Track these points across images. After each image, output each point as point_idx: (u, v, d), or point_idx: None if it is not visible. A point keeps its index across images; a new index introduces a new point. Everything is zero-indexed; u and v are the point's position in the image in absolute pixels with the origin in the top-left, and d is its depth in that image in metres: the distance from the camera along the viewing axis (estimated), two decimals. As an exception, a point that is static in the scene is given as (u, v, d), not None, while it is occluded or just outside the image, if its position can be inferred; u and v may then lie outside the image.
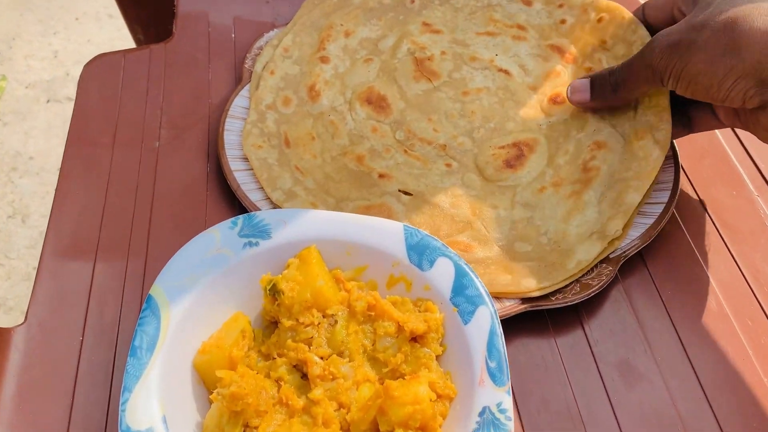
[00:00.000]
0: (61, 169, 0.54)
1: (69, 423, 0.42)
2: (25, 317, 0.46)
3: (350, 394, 0.40)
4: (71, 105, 1.48)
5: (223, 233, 0.44)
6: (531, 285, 0.48)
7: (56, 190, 0.53)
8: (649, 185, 0.51)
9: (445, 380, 0.42)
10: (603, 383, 0.46)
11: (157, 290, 0.41)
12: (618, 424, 0.44)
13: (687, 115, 0.54)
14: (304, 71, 0.62)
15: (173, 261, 0.42)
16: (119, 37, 1.58)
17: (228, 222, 0.45)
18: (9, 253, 1.24)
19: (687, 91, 0.47)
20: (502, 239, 0.51)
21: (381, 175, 0.54)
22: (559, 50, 0.61)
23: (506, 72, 0.61)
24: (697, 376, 0.46)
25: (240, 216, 0.46)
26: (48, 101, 1.46)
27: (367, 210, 0.52)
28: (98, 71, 0.62)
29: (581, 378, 0.46)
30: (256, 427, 0.39)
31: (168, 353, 0.39)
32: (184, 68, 0.63)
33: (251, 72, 0.62)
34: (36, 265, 1.16)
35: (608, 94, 0.53)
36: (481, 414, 0.39)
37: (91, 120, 0.58)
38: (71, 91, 1.50)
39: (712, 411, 0.45)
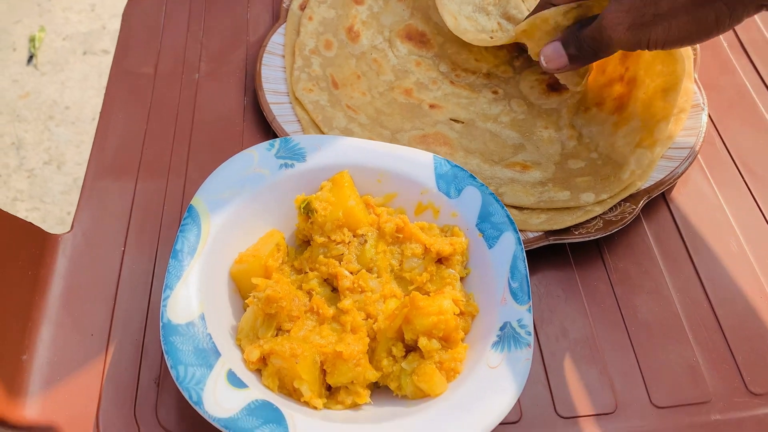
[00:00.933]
0: (106, 94, 0.57)
1: (111, 323, 0.44)
2: (71, 226, 0.48)
3: (377, 306, 0.42)
4: (107, 57, 1.51)
5: (260, 154, 0.46)
6: (589, 198, 0.49)
7: (100, 114, 0.55)
8: (685, 116, 0.53)
9: (468, 298, 0.43)
10: (622, 316, 0.47)
11: (198, 201, 0.43)
12: (635, 354, 0.46)
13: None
14: (340, 14, 0.63)
15: (213, 176, 0.44)
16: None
17: (265, 144, 0.47)
18: (44, 197, 1.28)
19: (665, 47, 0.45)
20: (555, 158, 0.53)
21: (431, 106, 0.57)
22: None
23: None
24: (715, 314, 0.47)
25: (277, 139, 0.47)
26: (84, 53, 1.49)
27: (423, 139, 0.54)
28: (142, 5, 0.64)
29: (600, 311, 0.48)
30: (288, 331, 0.41)
31: (206, 260, 0.42)
32: (224, 5, 0.65)
33: (287, 10, 0.63)
34: (70, 210, 1.20)
35: (589, 57, 0.49)
36: (502, 328, 0.41)
37: (134, 51, 0.60)
38: (107, 44, 1.52)
39: (728, 345, 0.46)
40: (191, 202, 0.43)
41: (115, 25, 1.55)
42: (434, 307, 0.40)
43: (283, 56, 0.60)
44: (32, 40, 1.52)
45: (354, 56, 0.61)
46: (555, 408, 0.43)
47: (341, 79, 0.59)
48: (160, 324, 0.38)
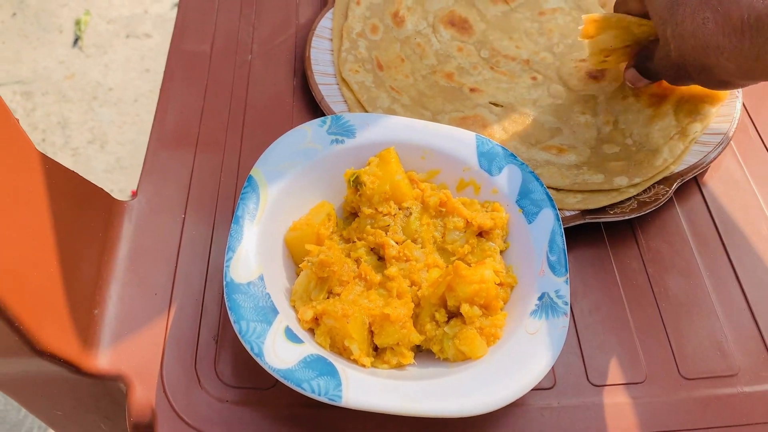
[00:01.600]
0: (165, 71, 0.60)
1: (173, 284, 0.48)
2: (135, 194, 0.52)
3: (421, 275, 0.45)
4: (149, 41, 1.56)
5: (313, 129, 0.49)
6: (623, 182, 0.51)
7: (161, 89, 0.58)
8: (723, 98, 0.55)
9: (507, 270, 0.46)
10: (654, 295, 0.49)
11: (256, 172, 0.46)
12: (665, 328, 0.48)
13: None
14: (387, 0, 0.66)
15: (270, 149, 0.47)
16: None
17: (318, 120, 0.50)
18: (87, 175, 1.32)
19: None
20: (591, 142, 0.55)
21: (472, 90, 0.59)
22: None
23: None
24: (744, 294, 0.49)
25: (328, 116, 0.50)
26: (127, 36, 1.53)
27: (462, 120, 0.56)
28: (197, -12, 0.67)
29: (632, 287, 0.50)
30: (338, 294, 0.44)
31: (264, 226, 0.45)
32: (274, -10, 0.68)
33: (336, -5, 0.66)
34: (112, 188, 1.24)
35: (659, 77, 0.55)
36: (540, 298, 0.43)
37: (191, 31, 0.64)
38: (149, 27, 1.57)
39: (756, 323, 0.48)
40: (251, 173, 0.46)
41: (157, 9, 1.59)
42: (476, 275, 0.43)
43: (331, 39, 0.63)
44: (78, 23, 1.57)
45: (398, 40, 0.63)
46: (587, 376, 0.46)
47: (386, 61, 0.61)
48: (224, 282, 0.41)
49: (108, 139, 1.38)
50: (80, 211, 0.44)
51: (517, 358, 0.41)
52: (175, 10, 1.61)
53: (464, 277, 0.42)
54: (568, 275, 0.44)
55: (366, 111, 0.57)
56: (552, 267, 0.44)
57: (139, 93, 1.45)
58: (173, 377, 0.44)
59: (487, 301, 0.43)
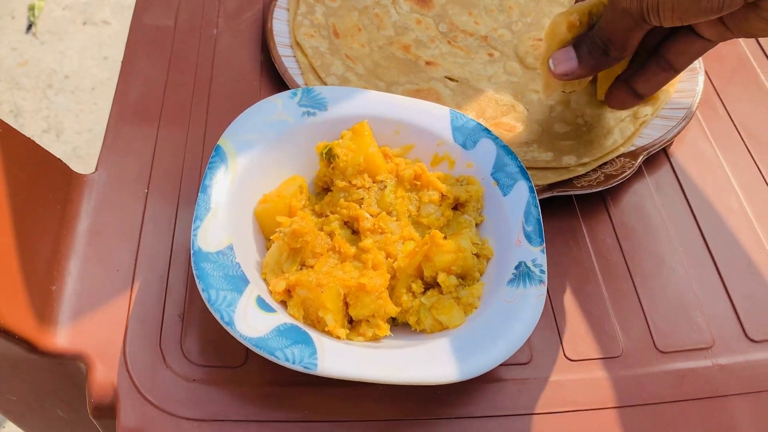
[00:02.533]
0: (127, 44, 0.57)
1: (136, 260, 0.45)
2: (96, 167, 0.49)
3: (396, 247, 0.44)
4: (107, 28, 1.51)
5: (284, 101, 0.47)
6: (571, 161, 0.51)
7: (122, 62, 0.56)
8: (678, 79, 0.55)
9: (483, 242, 0.45)
10: (627, 266, 0.49)
11: (225, 142, 0.44)
12: (639, 302, 0.48)
13: (664, 56, 0.48)
14: None
15: (240, 119, 0.46)
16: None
17: (289, 92, 0.48)
18: (43, 166, 1.28)
19: (674, 18, 0.41)
20: (543, 121, 0.55)
21: (428, 63, 0.58)
22: None
23: None
24: (716, 265, 0.49)
25: (299, 88, 0.49)
26: (84, 23, 1.48)
27: (416, 93, 0.55)
28: (160, -40, 0.65)
29: (606, 262, 0.50)
30: (311, 266, 0.42)
31: (233, 197, 0.43)
32: (241, -35, 0.66)
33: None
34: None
35: (599, 57, 0.46)
36: (517, 267, 0.42)
37: (154, 5, 0.61)
38: (107, 14, 1.52)
39: (728, 296, 0.48)
40: (218, 142, 0.44)
41: (116, -4, 1.55)
42: (453, 244, 0.42)
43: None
44: (31, 8, 1.52)
45: (357, 9, 0.62)
46: (564, 351, 0.45)
47: (342, 29, 0.60)
48: (191, 252, 0.39)
49: (64, 128, 1.34)
50: (37, 182, 0.42)
51: (495, 325, 0.40)
52: (135, -3, 1.57)
53: (441, 246, 0.41)
54: (544, 245, 0.43)
55: (319, 77, 0.56)
56: (528, 237, 0.43)
57: (97, 81, 1.41)
58: (137, 356, 0.42)
59: (464, 270, 0.43)
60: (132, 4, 1.46)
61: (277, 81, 0.58)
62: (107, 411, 0.41)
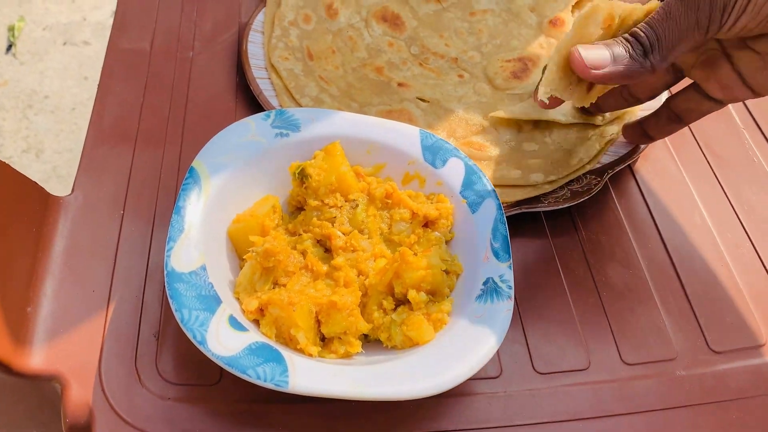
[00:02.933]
0: (104, 67, 0.58)
1: (111, 281, 0.46)
2: (72, 189, 0.50)
3: (368, 264, 0.45)
4: (87, 48, 1.52)
5: (257, 123, 0.49)
6: (539, 179, 0.52)
7: (99, 84, 0.57)
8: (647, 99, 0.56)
9: (452, 259, 0.46)
10: (594, 284, 0.51)
11: (198, 163, 0.45)
12: (606, 316, 0.49)
13: (674, 110, 0.51)
14: None
15: (213, 141, 0.47)
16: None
17: (262, 114, 0.49)
18: (22, 186, 1.28)
19: (743, 24, 0.39)
20: (512, 140, 0.56)
21: (400, 84, 0.59)
22: None
23: None
24: (680, 280, 0.51)
25: (273, 110, 0.50)
26: (65, 44, 1.49)
27: (388, 114, 0.57)
28: (137, -15, 0.66)
29: (574, 277, 0.51)
30: (284, 285, 0.43)
31: (206, 218, 0.44)
32: (217, -12, 0.67)
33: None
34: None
35: (635, 59, 0.41)
36: (485, 283, 0.43)
37: (131, 28, 0.62)
38: (87, 35, 1.53)
39: (692, 308, 0.49)
40: (192, 164, 0.45)
41: (96, 16, 1.55)
42: (423, 261, 0.43)
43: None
44: (11, 29, 1.52)
45: (331, 32, 0.64)
46: (533, 365, 0.46)
47: (316, 51, 0.62)
48: (165, 272, 0.40)
49: (44, 147, 1.34)
50: (12, 204, 0.42)
51: (464, 340, 0.41)
52: (115, 17, 1.58)
53: (411, 263, 0.43)
54: (511, 261, 0.44)
55: (293, 98, 0.57)
56: (495, 253, 0.45)
57: (77, 101, 1.41)
58: (112, 375, 0.42)
59: (433, 286, 0.44)
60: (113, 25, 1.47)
61: (252, 102, 0.59)
62: (83, 431, 0.41)
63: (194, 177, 0.45)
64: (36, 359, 0.42)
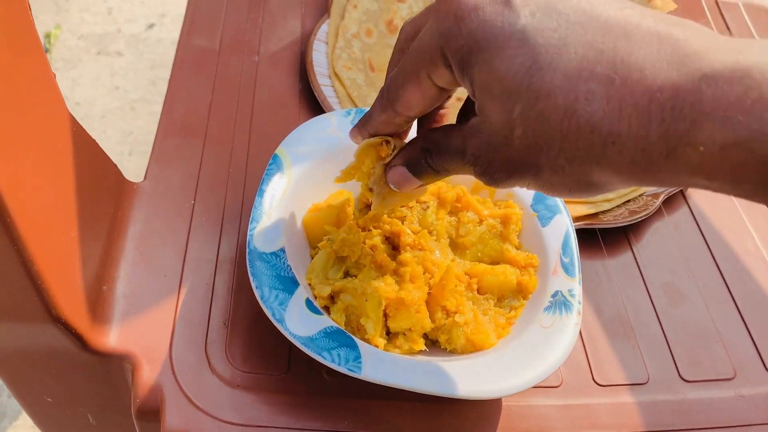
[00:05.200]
0: (174, 62, 0.60)
1: (183, 267, 0.46)
2: (145, 176, 0.51)
3: (435, 261, 0.45)
4: (120, 59, 1.54)
5: (338, 119, 0.50)
6: (598, 198, 0.54)
7: (170, 78, 0.58)
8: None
9: (530, 272, 0.46)
10: (650, 299, 0.51)
11: (282, 151, 0.46)
12: (663, 333, 0.49)
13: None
14: (382, 8, 0.68)
15: (296, 131, 0.48)
16: (172, 2, 1.65)
17: (343, 111, 0.50)
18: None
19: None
20: None
21: (459, 99, 0.60)
22: None
23: None
24: (735, 303, 0.51)
25: (353, 108, 0.51)
26: (98, 53, 1.51)
27: None
28: (206, -11, 0.68)
29: (630, 293, 0.51)
30: (355, 275, 0.44)
31: (286, 204, 0.45)
32: (280, -5, 0.69)
33: (334, -1, 0.68)
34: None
35: (433, 176, 0.37)
36: (553, 295, 0.44)
37: (200, 27, 0.64)
38: (121, 46, 1.55)
39: (746, 327, 0.50)
40: (276, 151, 0.46)
41: (131, 29, 1.58)
42: (499, 268, 0.44)
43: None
44: (47, 36, 1.54)
45: (390, 46, 0.65)
46: (593, 376, 0.47)
47: (378, 64, 0.63)
48: (247, 250, 0.41)
49: (71, 153, 1.34)
50: (96, 184, 0.43)
51: (532, 348, 0.41)
52: (149, 31, 1.61)
53: (489, 270, 0.43)
54: (580, 276, 0.45)
55: (356, 106, 0.59)
56: (565, 268, 0.45)
57: (107, 109, 1.43)
58: (183, 360, 0.42)
59: (502, 293, 0.44)
60: (146, 38, 1.50)
61: (314, 108, 0.60)
62: (151, 414, 0.41)
63: (277, 164, 0.46)
64: (111, 338, 0.42)
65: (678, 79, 0.25)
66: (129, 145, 1.36)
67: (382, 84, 0.60)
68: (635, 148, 0.26)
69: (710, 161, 0.25)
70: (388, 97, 0.35)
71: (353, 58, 0.63)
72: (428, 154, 0.36)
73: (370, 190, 0.41)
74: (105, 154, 0.44)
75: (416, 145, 0.37)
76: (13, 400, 1.12)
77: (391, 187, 0.40)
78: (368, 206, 0.50)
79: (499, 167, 0.31)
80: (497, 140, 0.30)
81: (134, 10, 1.63)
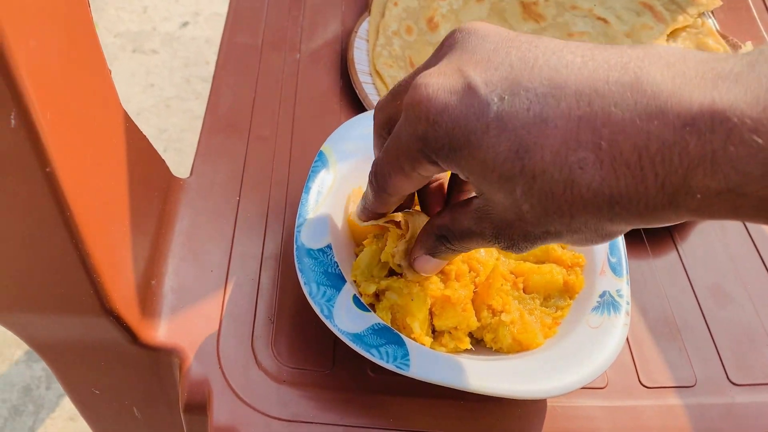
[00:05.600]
0: (218, 60, 0.60)
1: (229, 263, 0.47)
2: (191, 172, 0.51)
3: (480, 259, 0.45)
4: (155, 57, 1.56)
5: (381, 115, 0.50)
6: None
7: (214, 75, 0.59)
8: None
9: (577, 272, 0.46)
10: (696, 300, 0.50)
11: (327, 149, 0.46)
12: (710, 335, 0.48)
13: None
14: (423, 5, 0.68)
15: (341, 129, 0.48)
16: (206, 0, 1.67)
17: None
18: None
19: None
20: None
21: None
22: (650, 8, 0.68)
23: (604, 20, 0.67)
24: (785, 304, 0.50)
25: (392, 107, 0.51)
26: (134, 51, 1.53)
27: None
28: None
29: (676, 293, 0.51)
30: (399, 274, 0.43)
31: (333, 199, 0.45)
32: (321, -6, 0.70)
33: (376, 0, 0.68)
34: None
35: (457, 254, 0.39)
36: (601, 296, 0.43)
37: (242, 25, 0.64)
38: (156, 44, 1.57)
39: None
40: (321, 148, 0.46)
41: (166, 27, 1.60)
42: (546, 267, 0.43)
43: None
44: (84, 34, 1.57)
45: (431, 44, 0.65)
46: (639, 378, 0.46)
47: (418, 61, 0.63)
48: (295, 246, 0.41)
49: (107, 150, 1.37)
50: (146, 180, 0.43)
51: (580, 348, 0.41)
52: (184, 29, 1.63)
53: (534, 269, 0.43)
54: (628, 277, 0.44)
55: None
56: (612, 268, 0.45)
57: (142, 107, 1.44)
58: (229, 354, 0.43)
59: (548, 292, 0.44)
60: (181, 36, 1.51)
61: (355, 105, 0.60)
62: (198, 408, 0.42)
63: (323, 161, 0.46)
64: (159, 332, 0.42)
65: (660, 132, 0.25)
66: (163, 142, 1.38)
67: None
68: (639, 203, 0.27)
69: (709, 205, 0.25)
70: (377, 184, 0.36)
71: (394, 55, 0.63)
72: (446, 241, 0.36)
73: (399, 266, 0.41)
74: (155, 150, 0.45)
75: (431, 234, 0.37)
76: (51, 392, 1.14)
77: (422, 274, 0.41)
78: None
79: (521, 239, 0.31)
80: (510, 217, 0.30)
81: (169, 8, 1.65)
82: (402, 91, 0.33)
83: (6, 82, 0.26)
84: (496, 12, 0.68)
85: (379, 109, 0.36)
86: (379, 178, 0.35)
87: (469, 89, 0.28)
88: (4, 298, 0.36)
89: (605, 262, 0.45)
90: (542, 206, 0.28)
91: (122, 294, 0.38)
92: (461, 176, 0.31)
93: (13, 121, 0.27)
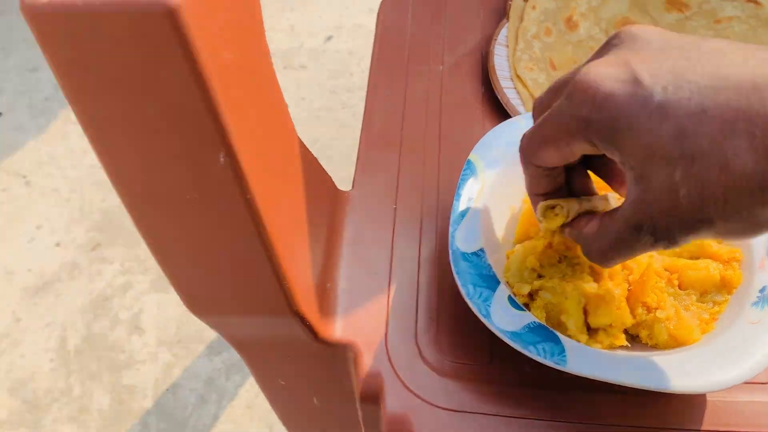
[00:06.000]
0: (369, 81, 0.66)
1: (390, 266, 0.52)
2: (352, 185, 0.57)
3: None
4: (304, 72, 1.67)
5: (526, 121, 0.52)
6: None
7: (366, 95, 0.64)
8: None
9: (734, 267, 0.46)
10: None
11: (474, 157, 0.50)
12: None
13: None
14: (560, 6, 0.69)
15: (487, 136, 0.51)
16: (347, 14, 1.76)
17: (529, 114, 0.53)
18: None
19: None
20: None
21: None
22: None
23: (755, 2, 0.64)
24: None
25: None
26: (285, 67, 1.65)
27: None
28: (392, 7, 0.73)
29: None
30: (550, 276, 0.46)
31: (482, 205, 0.48)
32: (459, 6, 0.73)
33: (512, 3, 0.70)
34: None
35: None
36: (761, 290, 0.43)
37: (389, 45, 0.69)
38: (304, 60, 1.68)
39: None
40: (469, 157, 0.50)
41: (312, 43, 1.71)
42: (701, 262, 0.44)
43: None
44: (240, 56, 1.71)
45: (571, 43, 0.66)
46: (804, 373, 0.45)
47: (558, 62, 0.64)
48: (450, 251, 0.45)
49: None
50: (317, 195, 0.49)
51: (740, 343, 0.41)
52: (328, 43, 1.73)
53: (690, 265, 0.44)
54: (789, 270, 0.43)
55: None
56: (773, 261, 0.44)
57: (296, 120, 1.54)
58: (397, 349, 0.47)
59: (705, 288, 0.44)
60: (325, 49, 1.60)
61: (497, 111, 0.63)
62: (372, 398, 0.46)
63: (471, 168, 0.49)
64: (336, 329, 0.48)
65: None
66: (316, 151, 1.47)
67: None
68: None
69: None
70: (524, 154, 0.39)
71: (534, 58, 0.65)
72: (608, 255, 0.37)
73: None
74: (322, 167, 0.50)
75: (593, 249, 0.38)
76: (231, 382, 1.27)
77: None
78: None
79: (677, 227, 0.32)
80: (666, 205, 0.32)
81: (313, 24, 1.76)
82: (562, 86, 0.36)
83: (216, 128, 0.32)
84: (637, 5, 0.67)
85: (539, 103, 0.39)
86: (528, 149, 0.38)
87: (635, 80, 0.31)
88: (214, 304, 0.43)
89: (765, 257, 0.44)
90: (698, 191, 0.30)
91: (305, 297, 0.44)
92: (617, 159, 0.33)
93: (222, 160, 0.33)
